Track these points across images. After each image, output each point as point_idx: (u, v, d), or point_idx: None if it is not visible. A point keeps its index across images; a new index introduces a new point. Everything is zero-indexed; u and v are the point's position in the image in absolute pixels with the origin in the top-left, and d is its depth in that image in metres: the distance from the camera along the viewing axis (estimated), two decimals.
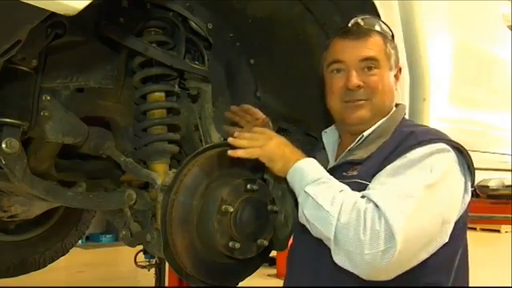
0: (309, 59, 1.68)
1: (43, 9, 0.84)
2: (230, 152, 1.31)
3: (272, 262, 5.68)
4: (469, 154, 1.26)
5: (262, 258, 1.52)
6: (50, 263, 2.88)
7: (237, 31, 1.69)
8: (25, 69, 1.24)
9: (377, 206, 1.08)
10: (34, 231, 2.73)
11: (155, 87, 1.55)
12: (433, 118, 1.83)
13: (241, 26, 1.66)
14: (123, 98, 1.59)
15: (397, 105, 1.41)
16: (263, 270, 5.46)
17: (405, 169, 1.16)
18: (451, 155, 1.21)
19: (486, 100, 2.43)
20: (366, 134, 1.33)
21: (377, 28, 1.35)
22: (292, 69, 1.75)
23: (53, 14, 0.87)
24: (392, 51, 1.35)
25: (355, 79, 1.29)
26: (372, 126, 1.33)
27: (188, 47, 1.62)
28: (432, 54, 1.82)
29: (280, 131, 1.97)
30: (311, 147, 1.62)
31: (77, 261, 5.56)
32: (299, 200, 1.22)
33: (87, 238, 7.61)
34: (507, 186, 3.38)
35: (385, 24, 1.39)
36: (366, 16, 1.39)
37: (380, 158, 1.24)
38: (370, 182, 1.20)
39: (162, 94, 1.56)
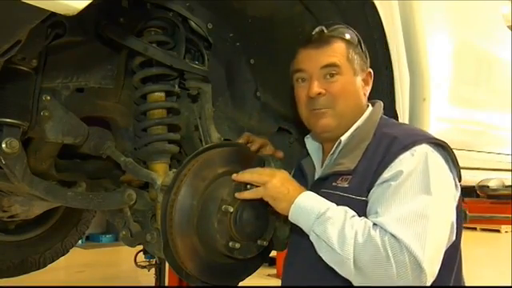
0: None
1: (43, 9, 0.84)
2: (237, 194, 1.31)
3: (272, 262, 5.68)
4: (451, 149, 1.27)
5: (262, 258, 1.52)
6: (50, 263, 2.88)
7: (237, 31, 1.69)
8: (25, 69, 1.24)
9: (394, 236, 1.08)
10: (34, 231, 2.73)
11: (155, 87, 1.55)
12: (433, 117, 1.83)
13: (241, 26, 1.66)
14: (123, 98, 1.59)
15: (373, 104, 1.41)
16: (263, 270, 5.46)
17: (404, 187, 1.15)
18: (437, 155, 1.23)
19: (486, 100, 2.43)
20: (343, 138, 1.33)
21: (339, 35, 1.35)
22: None
23: (53, 14, 0.87)
24: (356, 56, 1.34)
25: (315, 88, 1.30)
26: (342, 130, 1.33)
27: (188, 47, 1.62)
28: (432, 53, 1.82)
29: (280, 131, 1.97)
30: (300, 156, 1.61)
31: (77, 261, 5.57)
32: (311, 239, 1.20)
33: (87, 238, 7.62)
34: (507, 186, 3.38)
35: (351, 30, 1.38)
36: (331, 23, 1.39)
37: (369, 170, 1.23)
38: (364, 197, 1.21)
39: (162, 94, 1.56)
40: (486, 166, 2.54)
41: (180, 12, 1.55)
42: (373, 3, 1.52)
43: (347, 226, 1.14)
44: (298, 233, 1.29)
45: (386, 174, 1.19)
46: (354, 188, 1.24)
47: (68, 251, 2.99)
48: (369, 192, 1.21)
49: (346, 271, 1.13)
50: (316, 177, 1.41)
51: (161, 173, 1.51)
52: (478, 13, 2.32)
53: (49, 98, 1.36)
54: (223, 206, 1.30)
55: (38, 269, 2.82)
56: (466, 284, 1.34)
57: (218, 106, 1.77)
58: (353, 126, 1.34)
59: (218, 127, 1.68)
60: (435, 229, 1.11)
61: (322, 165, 1.42)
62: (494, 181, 3.15)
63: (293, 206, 1.22)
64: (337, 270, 1.16)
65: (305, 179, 1.44)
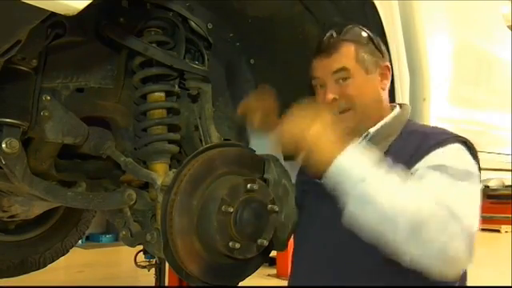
0: (309, 59, 1.67)
1: (43, 9, 0.84)
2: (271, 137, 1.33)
3: (272, 262, 5.68)
4: (475, 149, 1.30)
5: (262, 258, 1.52)
6: (50, 263, 2.88)
7: (237, 31, 1.69)
8: (25, 69, 1.24)
9: (448, 207, 1.08)
10: (34, 231, 2.73)
11: (155, 87, 1.55)
12: (433, 117, 1.83)
13: (241, 25, 1.66)
14: (123, 98, 1.59)
15: (400, 105, 1.45)
16: (263, 270, 5.46)
17: (444, 175, 1.16)
18: (468, 153, 1.27)
19: (486, 100, 2.43)
20: (372, 130, 1.35)
21: (348, 37, 1.38)
22: (292, 69, 1.75)
23: (53, 14, 0.87)
24: (366, 55, 1.37)
25: (328, 94, 1.36)
26: (362, 131, 1.36)
27: (188, 47, 1.62)
28: (432, 53, 1.82)
29: None
30: None
31: (77, 261, 5.57)
32: (349, 201, 1.13)
33: (87, 238, 7.62)
34: (507, 186, 3.38)
35: (360, 28, 1.40)
36: (340, 24, 1.41)
37: (399, 159, 1.22)
38: None
39: (162, 94, 1.56)
40: (486, 166, 2.54)
41: (180, 12, 1.55)
42: (373, 3, 1.53)
43: (402, 184, 1.11)
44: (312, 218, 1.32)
45: (421, 165, 1.20)
46: None
47: (68, 251, 2.98)
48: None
49: (399, 235, 1.06)
50: None
51: (161, 173, 1.51)
52: (478, 13, 2.32)
53: (49, 98, 1.36)
54: (223, 206, 1.30)
55: (38, 269, 2.82)
56: (467, 283, 1.34)
57: (217, 105, 1.77)
58: (380, 122, 1.37)
59: (217, 127, 1.68)
60: (476, 212, 1.14)
61: None
62: (494, 181, 3.15)
63: (335, 163, 1.14)
64: (383, 238, 1.09)
65: None
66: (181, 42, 1.57)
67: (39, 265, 2.81)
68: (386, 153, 1.29)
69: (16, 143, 1.22)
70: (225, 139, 1.69)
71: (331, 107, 1.36)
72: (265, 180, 1.46)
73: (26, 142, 1.40)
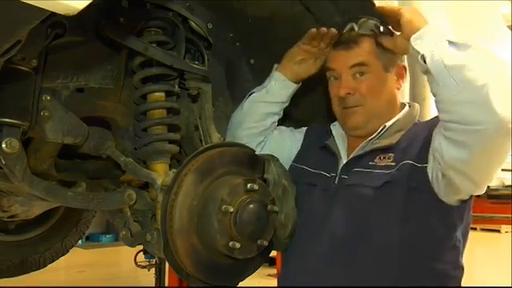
0: None
1: (43, 9, 0.84)
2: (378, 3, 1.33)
3: (272, 262, 5.68)
4: None
5: (262, 258, 1.52)
6: (50, 263, 2.87)
7: (237, 31, 1.69)
8: (25, 69, 1.24)
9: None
10: (34, 231, 2.73)
11: (155, 87, 1.55)
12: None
13: (241, 25, 1.66)
14: (123, 97, 1.59)
15: (409, 104, 1.47)
16: (263, 270, 5.46)
17: None
18: None
19: None
20: (388, 124, 1.37)
21: (368, 31, 1.38)
22: None
23: (53, 14, 0.87)
24: (385, 52, 1.36)
25: (343, 88, 1.36)
26: (372, 128, 1.38)
27: (188, 47, 1.62)
28: None
29: None
30: (320, 126, 1.65)
31: (77, 261, 5.57)
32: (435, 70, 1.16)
33: (87, 238, 7.62)
34: (507, 186, 3.38)
35: (381, 23, 1.39)
36: (362, 18, 1.41)
37: (416, 140, 1.30)
38: (421, 163, 1.25)
39: (162, 94, 1.56)
40: None
41: (180, 12, 1.55)
42: (373, 3, 1.52)
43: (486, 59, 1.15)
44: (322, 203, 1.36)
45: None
46: (402, 158, 1.29)
47: (68, 251, 2.98)
48: (423, 158, 1.26)
49: (483, 112, 1.08)
50: (341, 163, 1.44)
51: (161, 173, 1.51)
52: (478, 13, 2.32)
53: (49, 98, 1.36)
54: (223, 206, 1.30)
55: (38, 269, 2.82)
56: (466, 281, 1.35)
57: (217, 106, 1.77)
58: (394, 117, 1.39)
59: (217, 127, 1.68)
60: None
61: (348, 154, 1.45)
62: (494, 181, 3.15)
63: (427, 26, 1.22)
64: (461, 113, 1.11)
65: (334, 160, 1.47)
66: (181, 42, 1.57)
67: (39, 265, 2.81)
68: (396, 143, 1.33)
69: (16, 143, 1.22)
70: (225, 139, 1.69)
71: (341, 101, 1.38)
72: (265, 180, 1.46)
73: (26, 142, 1.40)
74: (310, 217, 1.44)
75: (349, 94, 1.35)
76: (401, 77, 1.42)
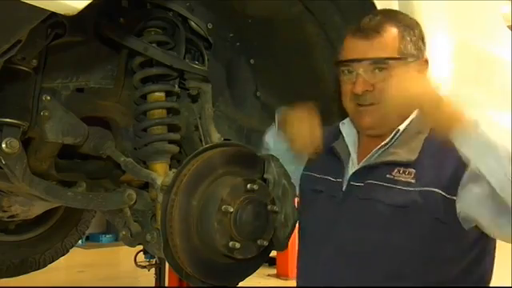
0: (309, 59, 1.68)
1: (43, 9, 0.84)
2: None
3: (272, 262, 5.68)
4: None
5: (262, 258, 1.52)
6: (50, 263, 2.88)
7: (237, 31, 1.69)
8: (25, 69, 1.24)
9: None
10: (34, 231, 2.74)
11: (155, 87, 1.55)
12: None
13: (241, 25, 1.66)
14: (123, 98, 1.59)
15: None
16: (263, 270, 5.46)
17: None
18: None
19: (486, 100, 2.43)
20: (401, 128, 1.23)
21: (393, 21, 1.23)
22: (292, 69, 1.74)
23: (53, 14, 0.87)
24: (409, 46, 1.22)
25: (360, 85, 1.21)
26: (388, 127, 1.25)
27: (188, 47, 1.62)
28: (432, 53, 1.82)
29: None
30: (327, 129, 1.47)
31: (77, 261, 5.57)
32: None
33: (87, 238, 7.61)
34: None
35: (406, 16, 1.28)
36: (385, 9, 1.30)
37: (437, 162, 1.16)
38: (451, 195, 1.13)
39: (162, 94, 1.56)
40: None
41: (180, 12, 1.55)
42: (373, 3, 1.52)
43: None
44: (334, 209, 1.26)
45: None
46: (427, 182, 1.15)
47: (68, 251, 2.99)
48: (452, 189, 1.13)
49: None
50: (351, 165, 1.32)
51: (161, 173, 1.51)
52: (478, 13, 2.32)
53: (49, 98, 1.36)
54: (223, 206, 1.30)
55: (38, 269, 2.82)
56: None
57: (218, 106, 1.77)
58: (408, 117, 1.24)
59: (218, 127, 1.68)
60: None
61: (359, 155, 1.33)
62: None
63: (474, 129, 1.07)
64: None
65: (340, 164, 1.35)
66: (181, 42, 1.57)
67: (39, 265, 2.81)
68: (421, 151, 1.20)
69: (16, 143, 1.22)
70: (225, 139, 1.69)
71: (356, 97, 1.24)
72: (265, 180, 1.46)
73: (26, 142, 1.40)
74: (316, 225, 1.36)
75: (366, 91, 1.21)
76: (422, 72, 1.26)
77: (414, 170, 1.19)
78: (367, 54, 1.21)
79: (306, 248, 1.42)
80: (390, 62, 1.20)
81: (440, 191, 1.15)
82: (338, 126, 1.41)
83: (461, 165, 1.11)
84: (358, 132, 1.37)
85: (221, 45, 1.68)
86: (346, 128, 1.38)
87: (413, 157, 1.20)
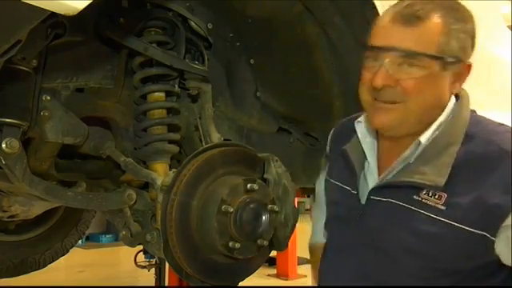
0: (309, 59, 1.68)
1: (43, 9, 0.84)
2: None
3: (272, 262, 5.68)
4: None
5: (262, 258, 1.52)
6: (50, 263, 2.88)
7: (237, 31, 1.69)
8: (25, 69, 1.24)
9: None
10: (34, 231, 2.74)
11: (155, 87, 1.55)
12: None
13: (241, 25, 1.66)
14: (123, 97, 1.59)
15: (457, 95, 1.12)
16: (263, 270, 5.46)
17: None
18: None
19: (486, 100, 2.43)
20: (423, 141, 1.04)
21: (442, 10, 1.02)
22: (292, 69, 1.74)
23: (53, 14, 0.87)
24: (453, 43, 1.01)
25: (381, 78, 1.01)
26: (406, 130, 1.06)
27: (188, 47, 1.62)
28: None
29: (280, 131, 1.97)
30: (343, 124, 1.31)
31: (77, 261, 5.57)
32: None
33: (87, 238, 7.61)
34: None
35: (462, 6, 1.08)
36: None
37: (474, 189, 0.97)
38: (486, 232, 0.95)
39: (162, 94, 1.56)
40: None
41: (180, 12, 1.55)
42: (373, 3, 1.52)
43: None
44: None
45: None
46: (460, 216, 0.97)
47: (68, 251, 2.99)
48: (492, 230, 0.96)
49: None
50: (370, 175, 1.15)
51: (161, 173, 1.51)
52: (478, 13, 2.32)
53: (49, 98, 1.36)
54: (223, 206, 1.30)
55: (38, 269, 2.83)
56: None
57: (218, 106, 1.77)
58: (433, 123, 1.05)
59: (218, 127, 1.68)
60: None
61: (379, 162, 1.15)
62: None
63: None
64: None
65: (350, 169, 1.17)
66: (181, 42, 1.57)
67: (39, 265, 2.81)
68: (453, 170, 1.00)
69: (16, 143, 1.22)
70: (225, 139, 1.69)
71: (375, 91, 1.04)
72: (265, 180, 1.46)
73: (26, 142, 1.40)
74: (335, 238, 1.22)
75: (388, 86, 1.01)
76: (459, 79, 1.07)
77: (445, 195, 1.00)
78: (400, 44, 0.99)
79: (324, 257, 1.26)
80: (424, 58, 0.99)
81: (476, 231, 0.97)
82: (354, 123, 1.20)
83: (504, 195, 0.94)
84: (377, 133, 1.17)
85: (221, 45, 1.68)
86: (363, 128, 1.18)
87: (441, 180, 1.00)
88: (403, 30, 1.00)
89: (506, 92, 2.58)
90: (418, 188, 1.03)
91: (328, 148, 1.33)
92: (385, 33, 1.03)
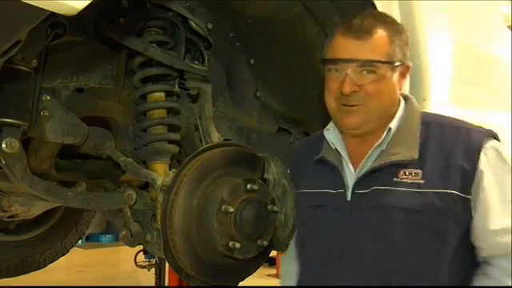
0: (309, 59, 1.68)
1: (43, 9, 0.84)
2: None
3: (272, 262, 5.68)
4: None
5: (262, 258, 1.52)
6: (50, 263, 2.87)
7: (237, 31, 1.69)
8: (25, 69, 1.24)
9: None
10: (34, 231, 2.73)
11: (155, 87, 1.55)
12: None
13: (241, 25, 1.66)
14: (123, 98, 1.59)
15: (404, 97, 1.35)
16: (263, 270, 5.46)
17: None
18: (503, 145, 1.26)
19: (486, 100, 2.43)
20: (392, 126, 1.25)
21: (384, 25, 1.24)
22: (292, 69, 1.74)
23: (53, 14, 0.87)
24: (397, 49, 1.23)
25: (349, 85, 1.21)
26: (369, 127, 1.27)
27: (188, 47, 1.62)
28: (432, 53, 1.82)
29: (280, 131, 1.97)
30: (305, 141, 1.57)
31: (77, 261, 5.56)
32: None
33: (87, 238, 7.59)
34: None
35: (395, 20, 1.30)
36: (375, 11, 1.33)
37: (441, 161, 1.19)
38: (446, 189, 1.17)
39: (162, 94, 1.56)
40: None
41: (180, 12, 1.55)
42: (373, 3, 1.52)
43: None
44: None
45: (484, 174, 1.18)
46: (432, 182, 1.18)
47: (68, 251, 2.98)
48: (466, 188, 1.18)
49: None
50: (349, 172, 1.30)
51: (161, 173, 1.51)
52: (478, 13, 2.32)
53: (49, 98, 1.36)
54: (223, 206, 1.30)
55: (38, 269, 2.82)
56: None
57: (218, 106, 1.77)
58: (395, 116, 1.28)
59: (218, 127, 1.68)
60: None
61: (352, 160, 1.31)
62: None
63: None
64: None
65: (335, 173, 1.31)
66: (181, 42, 1.57)
67: (39, 265, 2.81)
68: (421, 147, 1.21)
69: (16, 143, 1.22)
70: (225, 139, 1.69)
71: (342, 98, 1.24)
72: (265, 180, 1.46)
73: (26, 142, 1.40)
74: (324, 242, 1.31)
75: (354, 91, 1.21)
76: (404, 76, 1.29)
77: (420, 171, 1.20)
78: (357, 55, 1.21)
79: (313, 267, 1.34)
80: (379, 65, 1.21)
81: (453, 191, 1.17)
82: (319, 135, 1.41)
83: (468, 158, 1.18)
84: (342, 136, 1.36)
85: (221, 45, 1.68)
86: (332, 134, 1.36)
87: (415, 153, 1.21)
88: (358, 43, 1.21)
89: (506, 92, 2.58)
90: (395, 169, 1.21)
91: (289, 168, 1.49)
92: (342, 47, 1.23)
